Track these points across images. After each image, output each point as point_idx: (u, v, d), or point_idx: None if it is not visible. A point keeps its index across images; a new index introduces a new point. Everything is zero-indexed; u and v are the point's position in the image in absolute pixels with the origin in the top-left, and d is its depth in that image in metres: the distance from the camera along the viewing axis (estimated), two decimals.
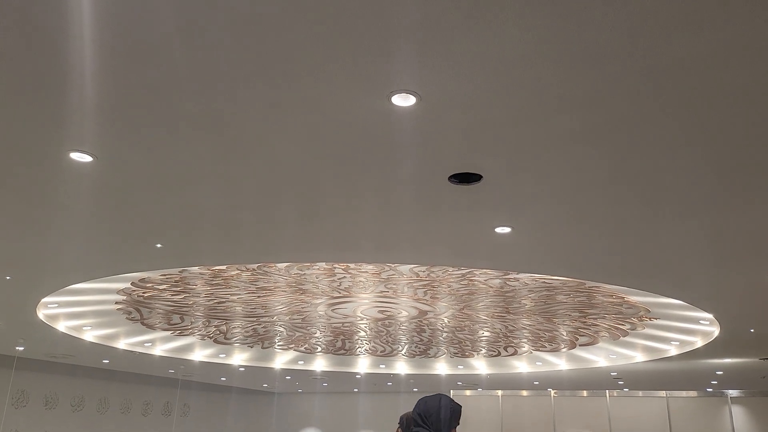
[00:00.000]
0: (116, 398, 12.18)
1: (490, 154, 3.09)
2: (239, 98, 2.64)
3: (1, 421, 9.88)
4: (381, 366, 12.45)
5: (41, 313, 7.17)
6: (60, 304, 7.12)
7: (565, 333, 8.97)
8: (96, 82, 2.54)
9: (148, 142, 3.09)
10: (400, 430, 3.64)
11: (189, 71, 2.45)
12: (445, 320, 8.66)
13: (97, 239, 4.75)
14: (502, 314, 8.14)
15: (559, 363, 10.95)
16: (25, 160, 3.32)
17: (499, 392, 13.57)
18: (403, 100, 2.58)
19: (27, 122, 2.90)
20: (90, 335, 8.82)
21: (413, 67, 2.37)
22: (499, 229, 4.18)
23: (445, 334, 9.62)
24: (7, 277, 5.70)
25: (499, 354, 10.93)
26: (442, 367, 12.29)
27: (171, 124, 2.90)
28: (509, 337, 9.50)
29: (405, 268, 6.49)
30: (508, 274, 6.40)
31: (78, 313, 7.74)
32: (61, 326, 8.04)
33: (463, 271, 6.51)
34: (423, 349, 10.93)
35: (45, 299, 6.56)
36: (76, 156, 3.22)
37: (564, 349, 10.03)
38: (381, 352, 11.26)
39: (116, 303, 7.61)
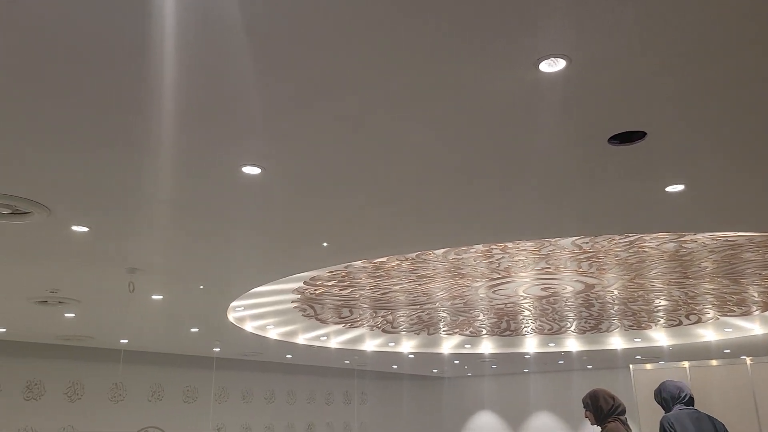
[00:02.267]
0: (302, 390, 13.18)
1: (653, 107, 2.86)
2: (380, 94, 2.71)
3: (210, 416, 11.15)
4: (550, 344, 12.13)
5: (231, 317, 7.94)
6: (245, 307, 7.84)
7: (756, 294, 8.07)
8: (258, 97, 2.75)
9: (305, 149, 3.29)
10: (589, 414, 3.47)
11: (332, 74, 2.56)
12: (615, 292, 8.21)
13: (270, 245, 5.15)
14: (680, 280, 7.52)
15: (753, 327, 9.88)
16: (203, 178, 3.69)
17: (686, 363, 12.53)
18: (552, 66, 2.47)
19: (203, 143, 3.22)
20: (273, 333, 9.62)
21: (561, 29, 2.26)
22: (670, 188, 3.87)
23: (616, 307, 9.12)
24: (201, 287, 6.40)
25: (680, 323, 10.12)
26: (617, 342, 11.67)
27: (322, 129, 3.05)
28: (690, 304, 8.76)
29: (566, 241, 6.25)
30: (684, 235, 5.89)
31: (261, 313, 8.47)
32: (248, 327, 8.85)
33: (631, 238, 6.11)
34: (594, 324, 10.46)
35: (233, 303, 7.26)
36: (247, 169, 3.52)
37: (756, 312, 9.03)
38: (549, 330, 10.96)
39: (292, 302, 8.21)
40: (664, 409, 3.96)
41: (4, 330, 8.11)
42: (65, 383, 9.40)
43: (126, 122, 2.94)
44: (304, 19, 2.19)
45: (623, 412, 3.48)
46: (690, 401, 3.91)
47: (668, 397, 3.94)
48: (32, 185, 3.72)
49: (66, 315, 7.28)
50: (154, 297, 6.66)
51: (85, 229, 4.53)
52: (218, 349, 10.56)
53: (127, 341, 9.20)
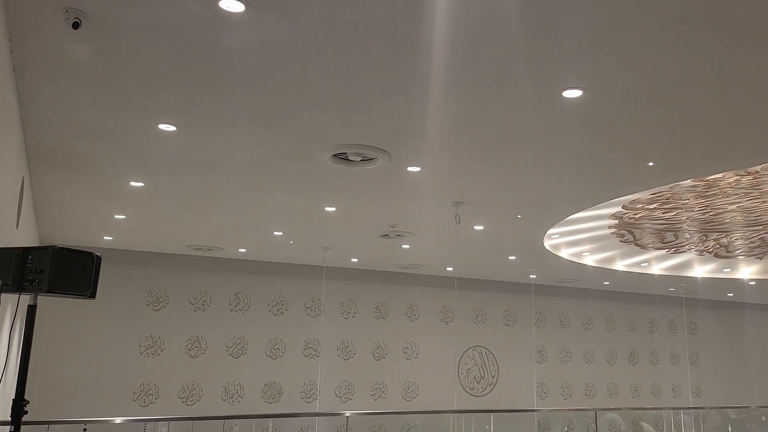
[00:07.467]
0: (621, 317, 12.77)
1: None
2: None
3: (532, 339, 11.67)
4: None
5: (547, 244, 8.08)
6: (561, 234, 7.87)
7: None
8: (583, 14, 2.68)
9: (635, 59, 3.10)
10: None
11: None
12: None
13: (589, 169, 5.03)
14: None
15: None
16: (523, 108, 3.77)
17: None
18: None
19: (524, 71, 3.28)
20: (589, 260, 9.49)
21: None
22: None
23: None
24: (518, 216, 6.63)
25: None
26: None
27: (656, 33, 2.83)
28: None
29: None
30: None
31: (576, 240, 8.41)
32: (564, 254, 8.89)
33: None
34: None
35: (549, 231, 7.36)
36: (567, 93, 3.48)
37: None
38: None
39: (609, 227, 7.94)
40: None
41: (356, 260, 9.68)
42: (404, 306, 10.88)
43: (442, 66, 3.17)
44: None
45: None
46: None
47: None
48: (377, 134, 4.30)
49: (403, 246, 8.32)
50: (476, 228, 7.14)
51: (418, 168, 5.07)
52: (534, 276, 10.87)
53: (452, 269, 10.12)
